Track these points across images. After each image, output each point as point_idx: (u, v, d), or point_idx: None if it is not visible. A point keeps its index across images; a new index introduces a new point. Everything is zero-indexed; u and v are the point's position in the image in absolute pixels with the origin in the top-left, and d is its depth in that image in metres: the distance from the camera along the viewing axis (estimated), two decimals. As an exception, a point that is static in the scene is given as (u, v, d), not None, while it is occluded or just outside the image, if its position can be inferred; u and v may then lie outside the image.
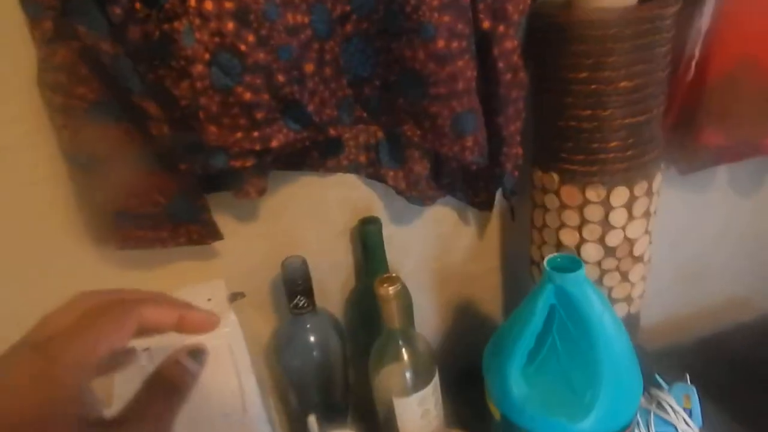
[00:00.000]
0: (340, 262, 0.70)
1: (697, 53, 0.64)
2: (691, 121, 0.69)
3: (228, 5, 0.45)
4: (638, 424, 0.65)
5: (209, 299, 0.59)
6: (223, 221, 0.60)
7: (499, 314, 0.84)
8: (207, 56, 0.46)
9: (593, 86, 0.52)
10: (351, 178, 0.65)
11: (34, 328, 0.27)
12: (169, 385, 0.30)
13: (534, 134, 0.63)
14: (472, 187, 0.67)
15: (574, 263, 0.52)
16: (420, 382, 0.60)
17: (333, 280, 0.70)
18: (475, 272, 0.78)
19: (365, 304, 0.69)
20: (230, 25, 0.45)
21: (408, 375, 0.60)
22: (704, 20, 0.63)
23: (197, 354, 0.32)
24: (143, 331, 0.29)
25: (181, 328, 0.31)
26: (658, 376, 0.71)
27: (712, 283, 0.96)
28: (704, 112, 0.67)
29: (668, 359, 0.81)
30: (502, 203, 0.73)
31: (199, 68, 0.47)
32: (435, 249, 0.74)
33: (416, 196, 0.64)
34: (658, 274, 0.84)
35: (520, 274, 0.79)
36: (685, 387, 0.70)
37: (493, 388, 0.56)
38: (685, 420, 0.63)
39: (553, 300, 0.52)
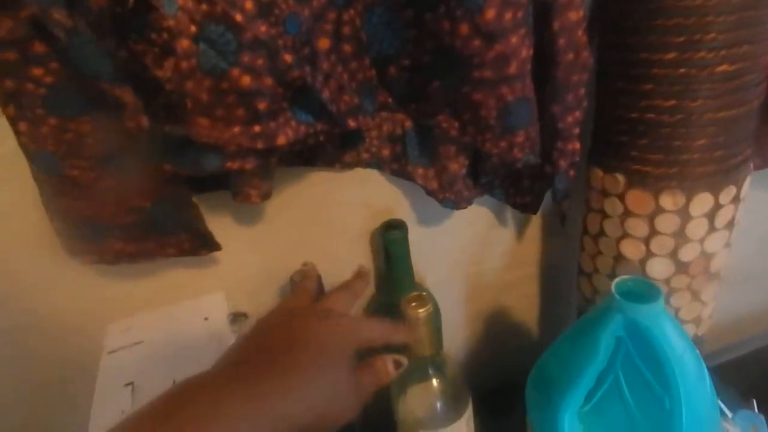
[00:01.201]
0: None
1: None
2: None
3: (220, -38, 0.34)
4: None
5: (206, 318, 0.50)
6: (221, 224, 0.51)
7: (535, 327, 0.74)
8: (193, 29, 0.36)
9: (682, 70, 0.42)
10: (371, 175, 0.55)
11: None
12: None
13: (594, 127, 0.52)
14: (515, 187, 0.57)
15: (648, 290, 0.42)
16: (451, 413, 0.52)
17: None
18: (510, 280, 0.68)
19: (386, 319, 0.60)
20: (223, -10, 0.35)
21: (438, 406, 0.51)
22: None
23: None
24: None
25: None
26: (720, 403, 0.62)
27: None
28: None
29: (726, 373, 0.73)
30: (545, 202, 0.62)
31: (184, 44, 0.37)
32: (466, 255, 0.64)
33: (450, 198, 0.53)
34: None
35: (562, 284, 0.70)
36: (751, 416, 0.61)
37: (540, 428, 0.47)
38: (757, 460, 0.54)
39: (620, 332, 0.43)
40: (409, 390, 0.52)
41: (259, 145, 0.39)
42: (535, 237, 0.67)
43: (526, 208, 0.58)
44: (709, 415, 0.43)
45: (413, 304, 0.47)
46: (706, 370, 0.44)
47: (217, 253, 0.53)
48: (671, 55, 0.42)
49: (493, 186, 0.57)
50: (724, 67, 0.41)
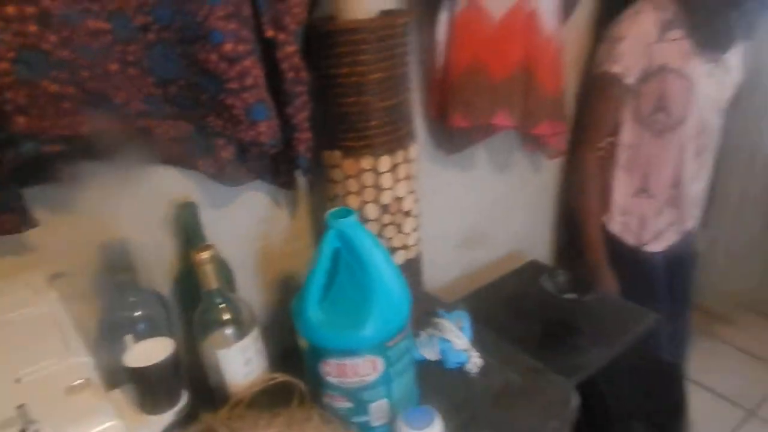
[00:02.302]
0: (164, 246, 0.77)
1: (439, 58, 0.85)
2: (445, 110, 0.89)
3: (30, 10, 0.52)
4: (425, 346, 0.82)
5: (26, 284, 0.63)
6: (41, 215, 0.64)
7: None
8: (12, 54, 0.53)
9: (353, 78, 0.69)
10: (171, 170, 0.74)
11: None
12: None
13: (320, 121, 0.77)
14: (275, 170, 0.79)
15: (348, 212, 0.66)
16: (241, 334, 0.70)
17: (158, 262, 0.77)
18: (291, 250, 0.90)
19: (190, 283, 0.76)
20: (33, 28, 0.52)
21: (229, 329, 0.69)
22: (440, 32, 0.83)
23: None
24: None
25: None
26: (440, 311, 0.89)
27: (491, 244, 1.20)
28: (451, 103, 0.88)
29: (456, 304, 1.02)
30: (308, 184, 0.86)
31: (3, 66, 0.53)
32: (254, 231, 0.85)
33: (227, 179, 0.74)
34: (448, 242, 1.04)
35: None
36: (458, 313, 0.89)
37: (299, 324, 0.68)
38: (457, 335, 0.81)
39: (337, 243, 0.66)
40: (207, 326, 0.69)
41: (67, 132, 0.57)
42: (305, 213, 0.90)
43: (286, 185, 0.81)
44: (395, 289, 0.67)
45: (200, 251, 0.66)
46: (392, 261, 0.69)
47: (34, 240, 0.66)
48: (345, 70, 0.69)
49: (260, 170, 0.79)
50: (376, 75, 0.69)
